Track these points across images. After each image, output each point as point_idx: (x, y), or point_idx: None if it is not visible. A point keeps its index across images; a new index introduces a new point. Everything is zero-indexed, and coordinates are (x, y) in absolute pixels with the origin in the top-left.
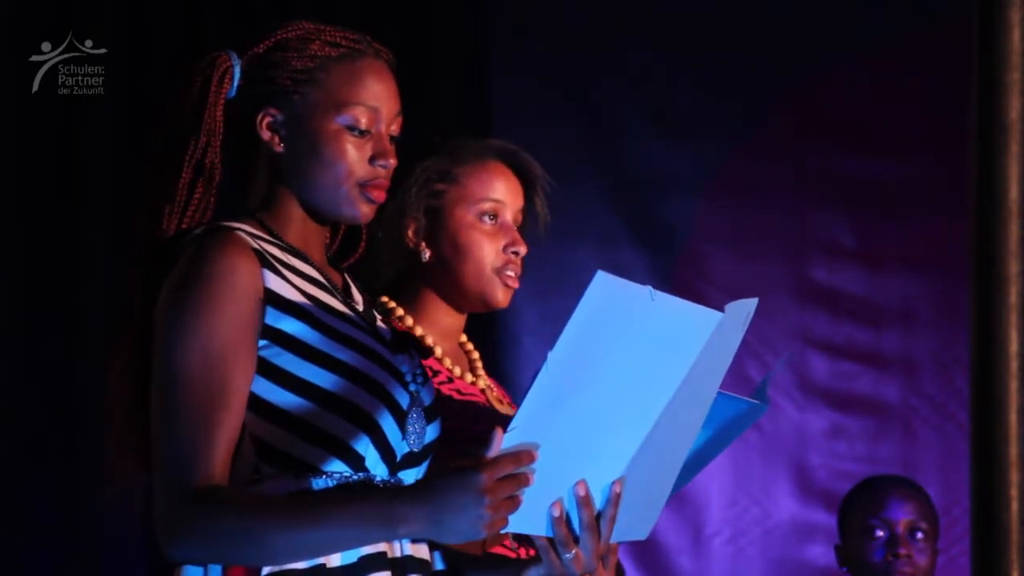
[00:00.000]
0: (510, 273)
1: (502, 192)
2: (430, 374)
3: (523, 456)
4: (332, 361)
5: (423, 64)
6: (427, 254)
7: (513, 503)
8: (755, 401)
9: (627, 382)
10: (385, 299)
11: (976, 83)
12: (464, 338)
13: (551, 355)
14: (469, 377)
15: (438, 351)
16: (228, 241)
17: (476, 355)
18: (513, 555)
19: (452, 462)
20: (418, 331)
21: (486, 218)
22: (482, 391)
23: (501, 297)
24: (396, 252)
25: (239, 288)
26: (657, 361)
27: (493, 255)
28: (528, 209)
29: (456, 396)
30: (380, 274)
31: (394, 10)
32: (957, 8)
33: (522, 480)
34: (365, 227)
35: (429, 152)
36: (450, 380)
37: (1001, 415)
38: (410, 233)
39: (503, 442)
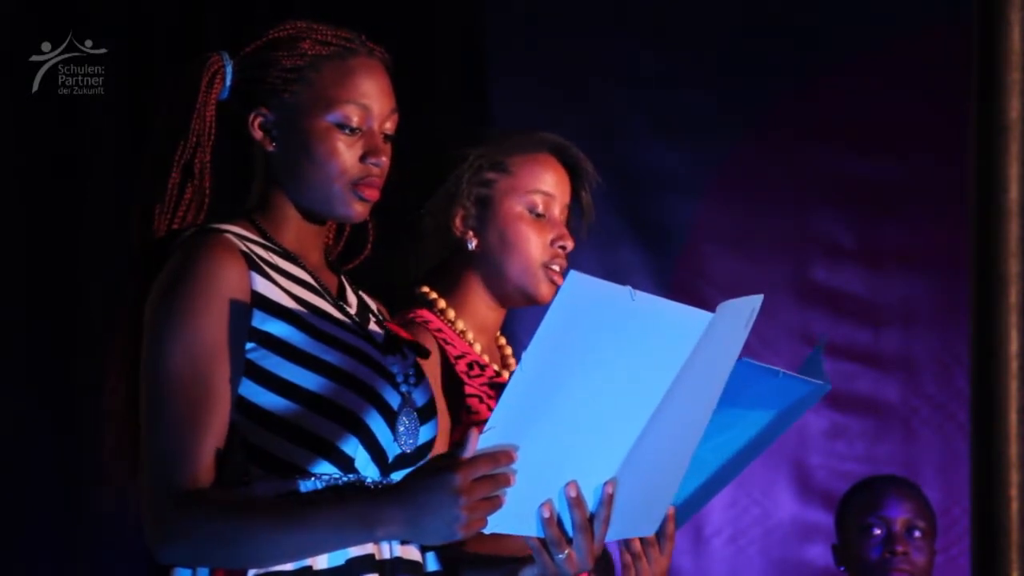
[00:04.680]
0: (555, 268)
1: (552, 185)
2: (477, 370)
3: (501, 456)
4: (318, 363)
5: (424, 63)
6: (473, 243)
7: (491, 504)
8: (818, 382)
9: (613, 383)
10: (426, 289)
11: (976, 83)
12: (498, 334)
13: (525, 355)
14: (505, 374)
15: (477, 347)
16: (215, 243)
17: (509, 350)
18: None
19: (429, 463)
20: (459, 325)
21: (534, 210)
22: None
23: (545, 292)
24: (442, 240)
25: (225, 290)
26: (644, 362)
27: (540, 249)
28: (573, 206)
29: None
30: (422, 262)
31: (395, 10)
32: (957, 9)
33: (501, 480)
34: (371, 230)
35: (482, 141)
36: (498, 375)
37: (1001, 415)
38: (458, 221)
39: (480, 442)
